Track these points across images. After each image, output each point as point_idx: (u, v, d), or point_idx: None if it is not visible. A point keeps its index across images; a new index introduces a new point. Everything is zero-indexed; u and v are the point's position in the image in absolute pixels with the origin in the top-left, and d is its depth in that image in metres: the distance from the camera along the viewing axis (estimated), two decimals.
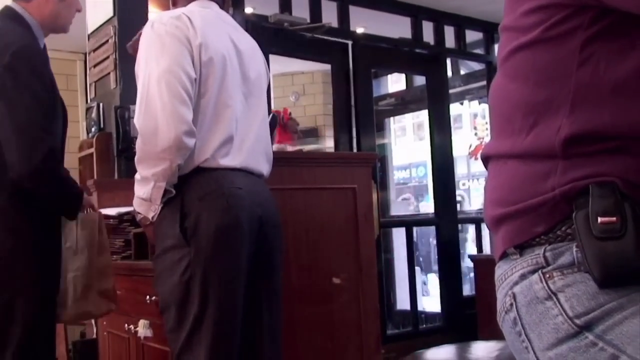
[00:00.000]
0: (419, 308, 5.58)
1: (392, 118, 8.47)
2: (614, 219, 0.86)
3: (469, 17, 5.70)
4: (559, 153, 0.91)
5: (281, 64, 6.21)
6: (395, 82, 8.15)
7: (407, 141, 11.05)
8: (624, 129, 0.89)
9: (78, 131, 5.07)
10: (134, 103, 2.09)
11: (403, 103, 7.53)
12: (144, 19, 3.67)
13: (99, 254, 2.42)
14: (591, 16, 0.90)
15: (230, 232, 2.00)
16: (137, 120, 2.03)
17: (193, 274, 1.96)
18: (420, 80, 6.53)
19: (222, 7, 2.31)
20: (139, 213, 2.08)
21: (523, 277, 0.94)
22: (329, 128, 7.53)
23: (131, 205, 2.14)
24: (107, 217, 2.77)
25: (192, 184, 2.02)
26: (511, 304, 0.95)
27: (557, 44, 0.92)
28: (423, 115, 7.45)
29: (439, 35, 5.59)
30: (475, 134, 9.16)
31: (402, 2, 5.27)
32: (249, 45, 2.29)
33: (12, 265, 2.19)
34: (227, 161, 2.06)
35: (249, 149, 2.14)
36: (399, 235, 5.70)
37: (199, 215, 1.98)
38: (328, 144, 7.51)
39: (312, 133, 7.70)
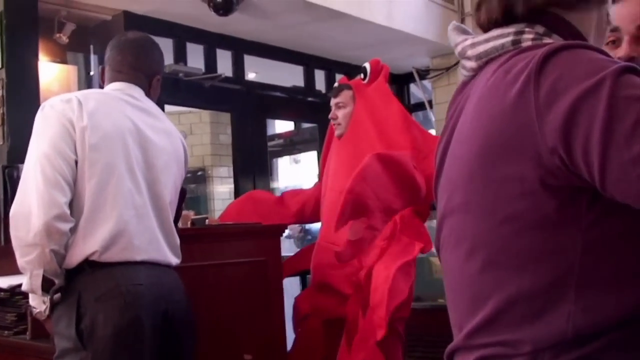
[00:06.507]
0: None
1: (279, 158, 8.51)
2: None
3: (358, 66, 5.82)
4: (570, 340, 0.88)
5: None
6: (283, 122, 8.19)
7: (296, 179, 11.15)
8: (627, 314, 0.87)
9: None
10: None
11: (292, 144, 7.60)
12: (34, 72, 3.51)
13: None
14: (587, 200, 0.87)
15: (129, 333, 1.90)
16: (13, 207, 1.92)
17: None
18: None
19: (147, 93, 2.21)
20: (34, 307, 2.00)
21: None
22: (217, 169, 7.47)
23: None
24: None
25: (88, 281, 1.92)
26: None
27: (556, 230, 0.89)
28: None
29: (331, 83, 5.68)
30: None
31: (295, 51, 5.33)
32: (162, 132, 2.17)
33: None
34: (126, 254, 1.96)
35: (152, 240, 2.04)
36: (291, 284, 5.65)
37: (96, 316, 1.88)
38: (216, 186, 7.44)
39: (200, 177, 7.60)
